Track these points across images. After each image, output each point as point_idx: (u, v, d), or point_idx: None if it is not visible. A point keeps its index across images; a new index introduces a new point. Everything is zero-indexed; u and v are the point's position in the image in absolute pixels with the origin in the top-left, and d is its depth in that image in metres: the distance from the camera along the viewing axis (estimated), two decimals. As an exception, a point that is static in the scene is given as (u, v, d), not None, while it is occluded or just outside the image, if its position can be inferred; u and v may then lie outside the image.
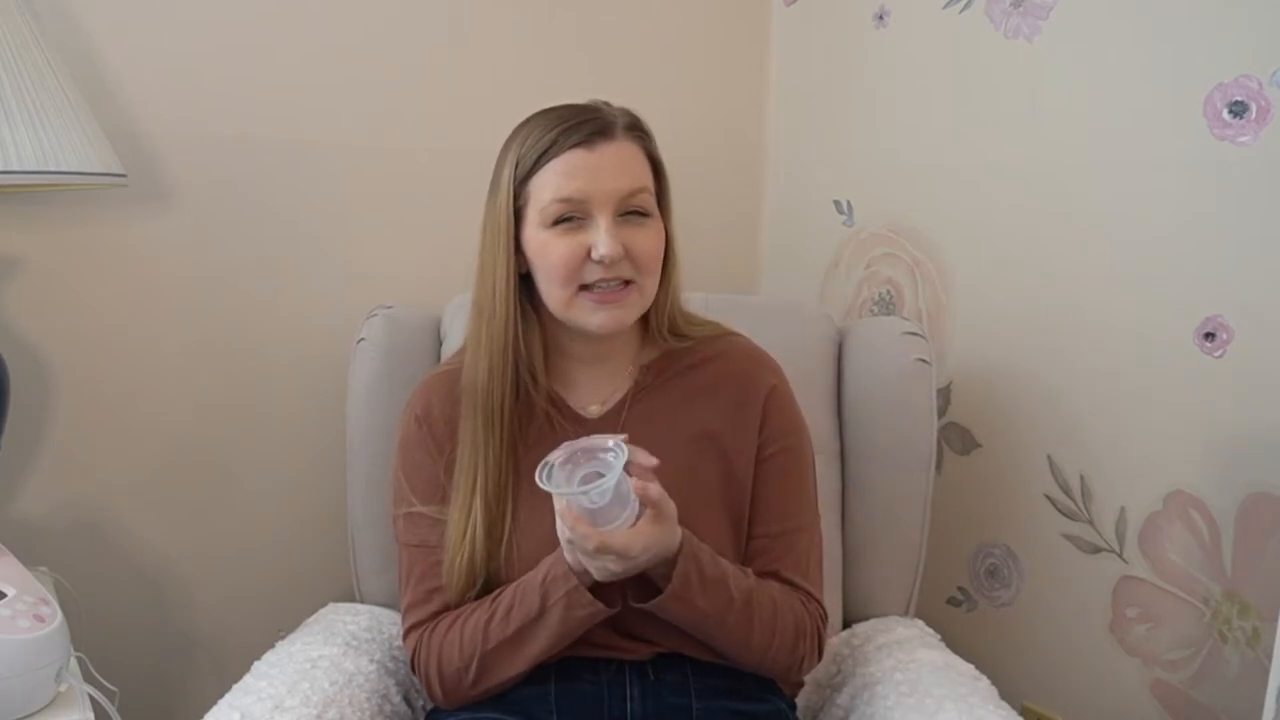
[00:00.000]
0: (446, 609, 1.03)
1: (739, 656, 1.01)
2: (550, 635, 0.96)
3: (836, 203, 1.68)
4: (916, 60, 1.52)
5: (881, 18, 1.57)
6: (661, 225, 1.02)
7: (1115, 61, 1.26)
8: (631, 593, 0.96)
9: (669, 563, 0.93)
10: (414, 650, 1.04)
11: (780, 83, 1.78)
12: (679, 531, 0.93)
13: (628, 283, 0.99)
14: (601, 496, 0.87)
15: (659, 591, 0.95)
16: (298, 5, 1.44)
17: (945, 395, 1.51)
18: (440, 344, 1.35)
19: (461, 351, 1.08)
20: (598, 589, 0.94)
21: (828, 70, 1.68)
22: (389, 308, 1.35)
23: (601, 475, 0.86)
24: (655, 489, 0.90)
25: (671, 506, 0.91)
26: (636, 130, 1.01)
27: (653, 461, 0.91)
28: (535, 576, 0.96)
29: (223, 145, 1.41)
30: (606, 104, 1.03)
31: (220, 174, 1.42)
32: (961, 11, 1.44)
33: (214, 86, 1.40)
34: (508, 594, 0.98)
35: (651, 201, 1.00)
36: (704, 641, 1.00)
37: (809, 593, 1.05)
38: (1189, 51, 1.18)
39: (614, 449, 0.88)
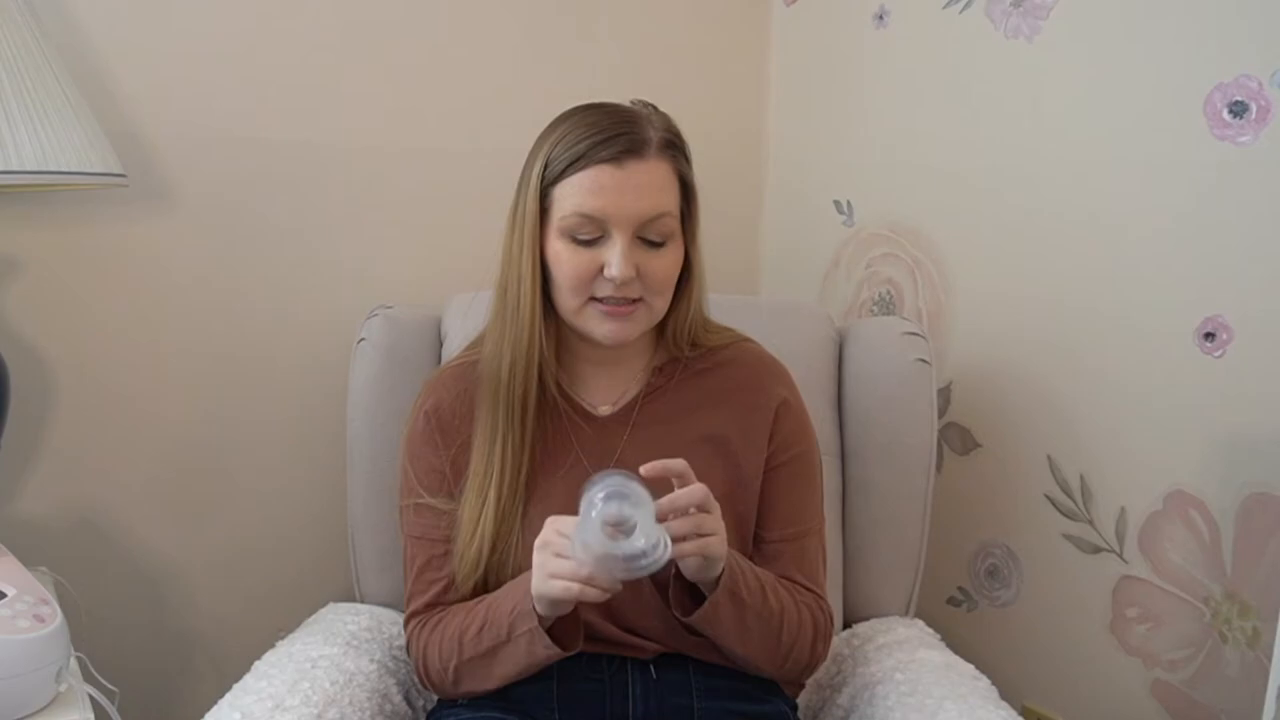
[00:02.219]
0: (443, 601, 1.04)
1: (766, 655, 1.01)
2: (517, 665, 0.96)
3: (836, 203, 1.68)
4: (916, 60, 1.52)
5: (881, 18, 1.57)
6: (680, 246, 1.01)
7: (1115, 61, 1.26)
8: (678, 607, 0.96)
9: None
10: (409, 639, 1.07)
11: (780, 83, 1.78)
12: None
13: (635, 300, 0.98)
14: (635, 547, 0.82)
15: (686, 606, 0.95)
16: (298, 6, 1.44)
17: (945, 395, 1.51)
18: (440, 344, 1.35)
19: (475, 344, 1.09)
20: (559, 630, 0.94)
21: (828, 70, 1.68)
22: (389, 308, 1.35)
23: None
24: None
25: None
26: (671, 148, 0.99)
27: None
28: (506, 602, 0.96)
29: (223, 145, 1.41)
30: (649, 109, 1.02)
31: (220, 174, 1.42)
32: (961, 11, 1.44)
33: (214, 86, 1.40)
34: (483, 608, 0.98)
35: (673, 225, 0.99)
36: (734, 649, 0.99)
37: (819, 594, 1.06)
38: (1189, 51, 1.18)
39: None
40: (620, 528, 0.82)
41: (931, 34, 1.49)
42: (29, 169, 1.06)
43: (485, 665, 0.98)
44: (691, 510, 0.88)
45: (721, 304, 1.12)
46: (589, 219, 0.96)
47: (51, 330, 1.35)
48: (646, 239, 0.97)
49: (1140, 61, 1.23)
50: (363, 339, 1.32)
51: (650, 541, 0.81)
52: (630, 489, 0.83)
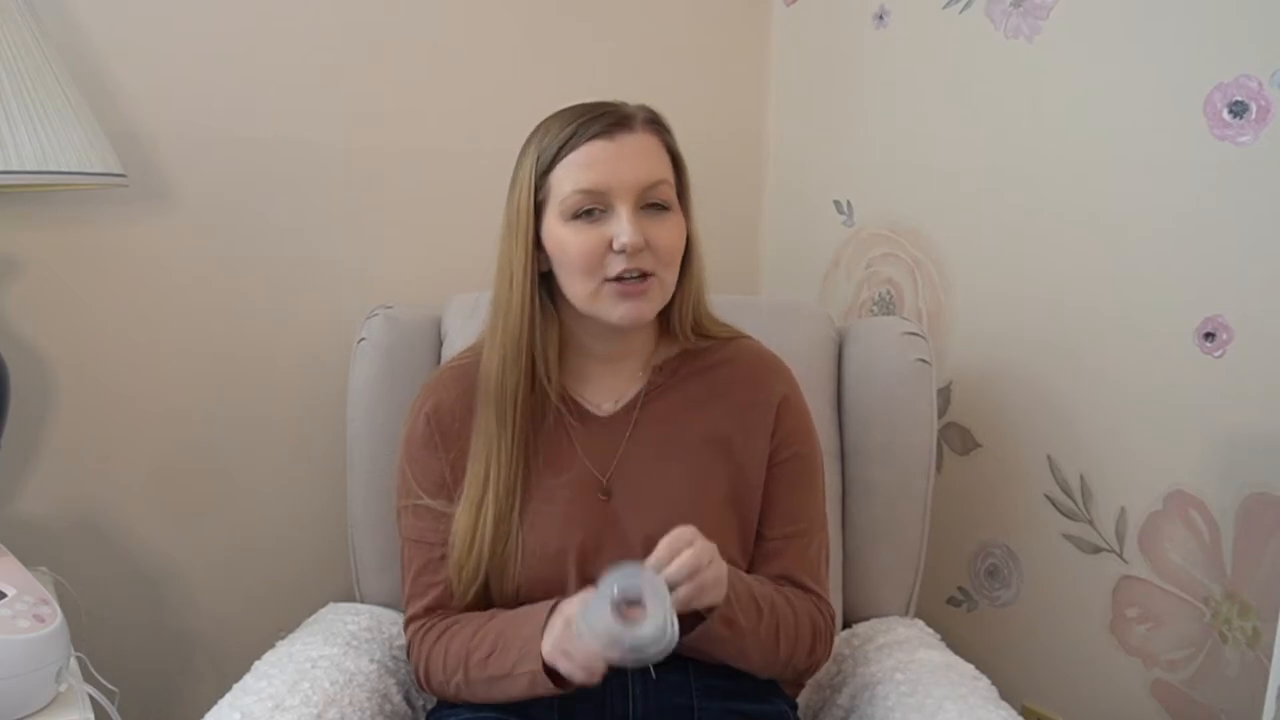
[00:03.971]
0: (442, 605, 1.04)
1: (764, 667, 1.01)
2: (519, 694, 0.96)
3: (836, 203, 1.68)
4: (916, 60, 1.52)
5: (881, 18, 1.57)
6: (682, 218, 1.01)
7: (1115, 61, 1.26)
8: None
9: None
10: (409, 643, 1.07)
11: (780, 83, 1.78)
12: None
13: (647, 275, 0.98)
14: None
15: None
16: (298, 6, 1.44)
17: (945, 395, 1.51)
18: (440, 344, 1.35)
19: (476, 346, 1.09)
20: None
21: (828, 70, 1.68)
22: (389, 308, 1.35)
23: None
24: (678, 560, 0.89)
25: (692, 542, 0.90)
26: (656, 124, 1.01)
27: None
28: (515, 638, 0.95)
29: (223, 145, 1.41)
30: (625, 103, 1.02)
31: (220, 174, 1.42)
32: (961, 11, 1.44)
33: (214, 86, 1.40)
34: (492, 635, 0.98)
35: (672, 194, 1.00)
36: (730, 662, 1.00)
37: (820, 594, 1.06)
38: (1189, 51, 1.18)
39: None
40: (629, 611, 0.84)
41: (931, 34, 1.49)
42: (29, 169, 1.06)
43: (486, 688, 0.98)
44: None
45: (721, 304, 1.12)
46: (590, 194, 0.96)
47: (51, 330, 1.35)
48: (649, 209, 0.98)
49: (1140, 61, 1.23)
50: (363, 339, 1.32)
51: (658, 626, 0.82)
52: (646, 577, 0.85)
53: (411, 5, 1.51)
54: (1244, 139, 1.14)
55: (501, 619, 0.99)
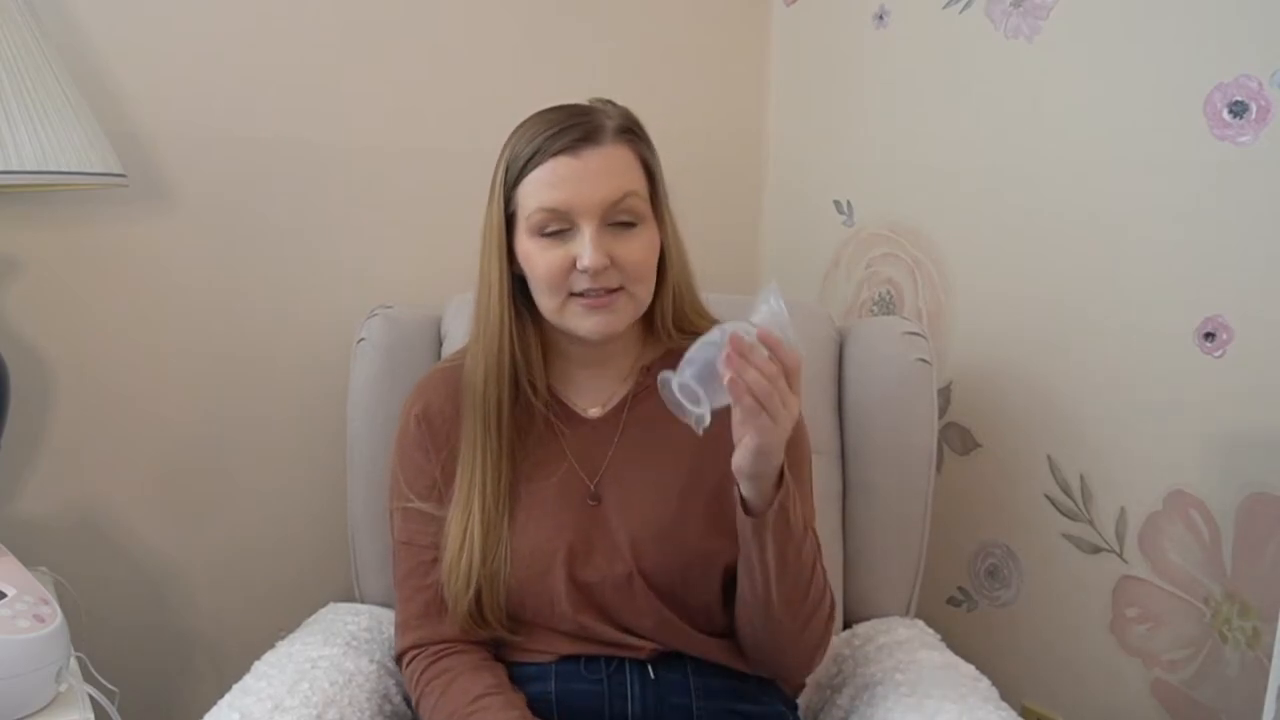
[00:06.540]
0: (432, 612, 1.03)
1: (790, 613, 0.97)
2: None
3: (836, 203, 1.68)
4: (916, 60, 1.52)
5: (881, 18, 1.57)
6: (654, 230, 1.00)
7: (1115, 61, 1.26)
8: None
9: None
10: (399, 656, 1.06)
11: (780, 83, 1.78)
12: None
13: (617, 289, 0.97)
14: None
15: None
16: (298, 6, 1.44)
17: (945, 395, 1.51)
18: (440, 344, 1.35)
19: (464, 349, 1.09)
20: None
21: (828, 70, 1.68)
22: (389, 308, 1.36)
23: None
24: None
25: None
26: (628, 133, 0.98)
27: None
28: None
29: (223, 145, 1.41)
30: (606, 103, 1.01)
31: (220, 174, 1.42)
32: (961, 11, 1.44)
33: (214, 86, 1.40)
34: None
35: (641, 206, 0.98)
36: (771, 580, 0.95)
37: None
38: (1189, 51, 1.18)
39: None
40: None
41: (931, 34, 1.49)
42: (29, 169, 1.06)
43: None
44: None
45: (722, 304, 1.12)
46: (553, 213, 0.95)
47: (51, 330, 1.35)
48: (616, 224, 0.96)
49: (1140, 61, 1.23)
50: (363, 339, 1.32)
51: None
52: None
53: (411, 5, 1.51)
54: (1244, 139, 1.14)
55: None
